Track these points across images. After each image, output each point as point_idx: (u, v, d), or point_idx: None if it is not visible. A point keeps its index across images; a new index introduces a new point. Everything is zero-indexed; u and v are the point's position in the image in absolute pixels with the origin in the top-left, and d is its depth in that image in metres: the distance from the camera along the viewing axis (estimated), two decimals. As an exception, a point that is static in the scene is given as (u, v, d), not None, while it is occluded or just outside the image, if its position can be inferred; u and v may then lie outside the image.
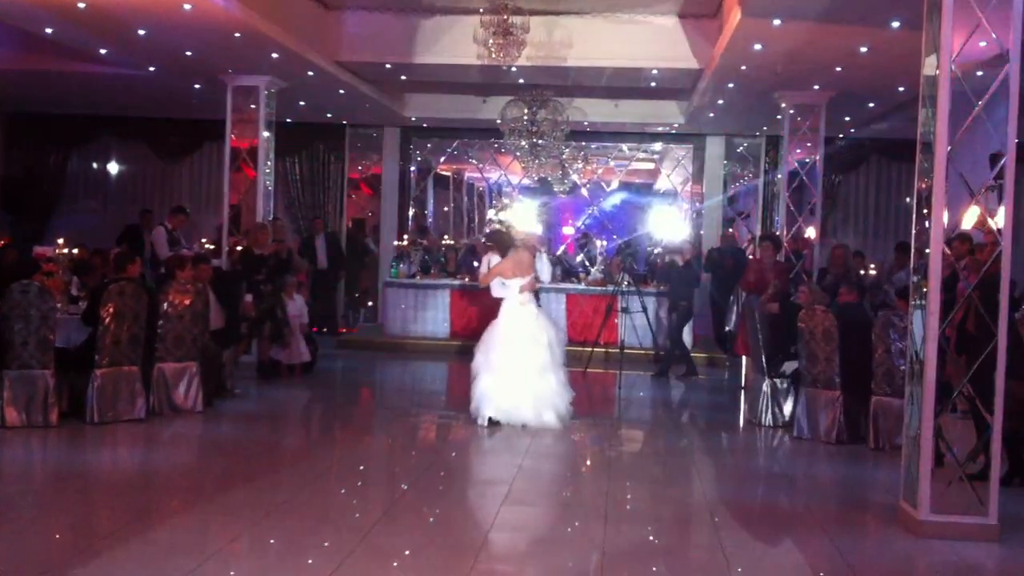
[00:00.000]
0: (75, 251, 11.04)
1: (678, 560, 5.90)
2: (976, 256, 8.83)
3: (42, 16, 10.26)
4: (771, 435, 9.55)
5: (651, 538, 6.19)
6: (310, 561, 5.34)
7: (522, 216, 17.90)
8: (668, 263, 13.79)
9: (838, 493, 7.66)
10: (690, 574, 5.68)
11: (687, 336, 13.83)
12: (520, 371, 9.26)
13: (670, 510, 7.03)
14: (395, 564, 5.33)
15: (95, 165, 18.01)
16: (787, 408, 9.63)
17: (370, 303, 17.94)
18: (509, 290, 9.56)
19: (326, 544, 5.63)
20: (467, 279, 15.23)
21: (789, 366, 9.61)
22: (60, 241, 10.69)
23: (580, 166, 18.31)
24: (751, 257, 13.96)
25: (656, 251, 16.51)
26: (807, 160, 13.54)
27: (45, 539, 5.70)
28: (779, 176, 13.62)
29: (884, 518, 6.70)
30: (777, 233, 13.21)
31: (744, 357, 10.91)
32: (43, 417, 8.34)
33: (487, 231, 9.68)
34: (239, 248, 12.47)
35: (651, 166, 20.75)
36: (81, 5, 9.69)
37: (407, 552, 5.57)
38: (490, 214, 20.04)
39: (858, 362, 8.94)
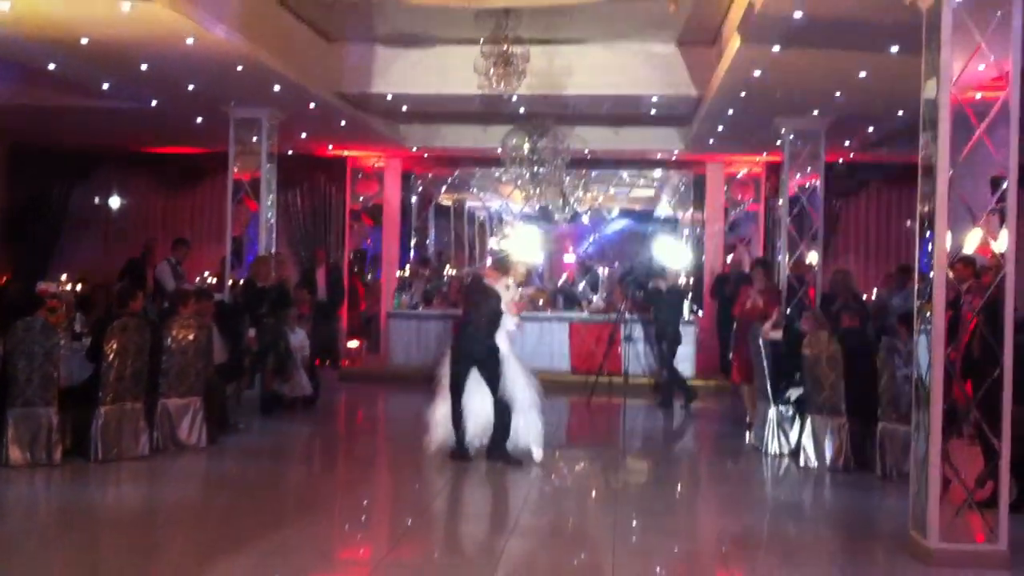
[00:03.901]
0: (78, 287, 11.03)
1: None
2: (980, 279, 8.83)
3: (45, 52, 10.30)
4: (777, 463, 9.49)
5: (659, 570, 6.15)
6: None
7: (523, 244, 17.91)
8: (652, 289, 13.77)
9: (846, 522, 7.60)
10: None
11: (683, 362, 13.79)
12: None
13: (678, 541, 6.98)
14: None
15: (97, 198, 18.02)
16: (793, 435, 9.58)
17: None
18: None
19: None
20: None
21: (794, 393, 9.57)
22: (63, 277, 10.69)
23: (581, 194, 18.34)
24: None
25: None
26: (808, 185, 13.55)
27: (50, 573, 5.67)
28: (780, 202, 13.62)
29: (893, 547, 6.64)
30: (778, 258, 13.20)
31: (741, 384, 10.86)
32: (47, 455, 8.29)
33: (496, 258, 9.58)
34: (241, 281, 12.45)
35: (651, 193, 20.82)
36: (84, 41, 9.73)
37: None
38: (491, 242, 20.07)
39: (863, 388, 8.90)
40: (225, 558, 6.11)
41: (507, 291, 9.29)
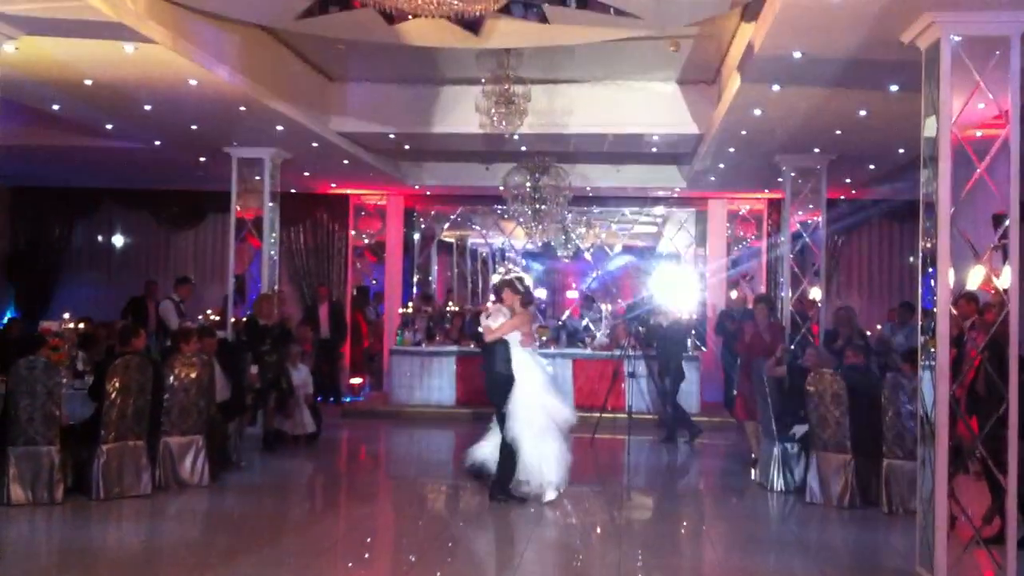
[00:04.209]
0: (80, 325, 11.03)
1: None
2: (984, 316, 8.85)
3: (50, 93, 10.39)
4: (783, 500, 9.44)
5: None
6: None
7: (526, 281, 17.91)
8: (653, 325, 13.77)
9: (853, 559, 7.54)
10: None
11: (687, 398, 13.76)
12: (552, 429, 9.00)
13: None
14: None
15: (100, 237, 18.08)
16: (798, 472, 9.54)
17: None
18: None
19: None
20: (472, 345, 15.21)
21: (799, 430, 9.53)
22: (66, 316, 10.70)
23: (583, 231, 18.39)
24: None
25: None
26: (809, 222, 13.59)
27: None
28: (782, 238, 13.65)
29: (901, 585, 6.60)
30: (780, 294, 13.20)
31: (746, 420, 10.83)
32: (48, 494, 8.26)
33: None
34: (244, 319, 12.46)
35: (654, 229, 20.86)
36: (88, 82, 9.81)
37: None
38: (494, 279, 20.09)
39: (868, 425, 8.87)
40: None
41: (511, 315, 9.17)
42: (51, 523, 8.02)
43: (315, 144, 13.06)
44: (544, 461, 8.85)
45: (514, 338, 9.09)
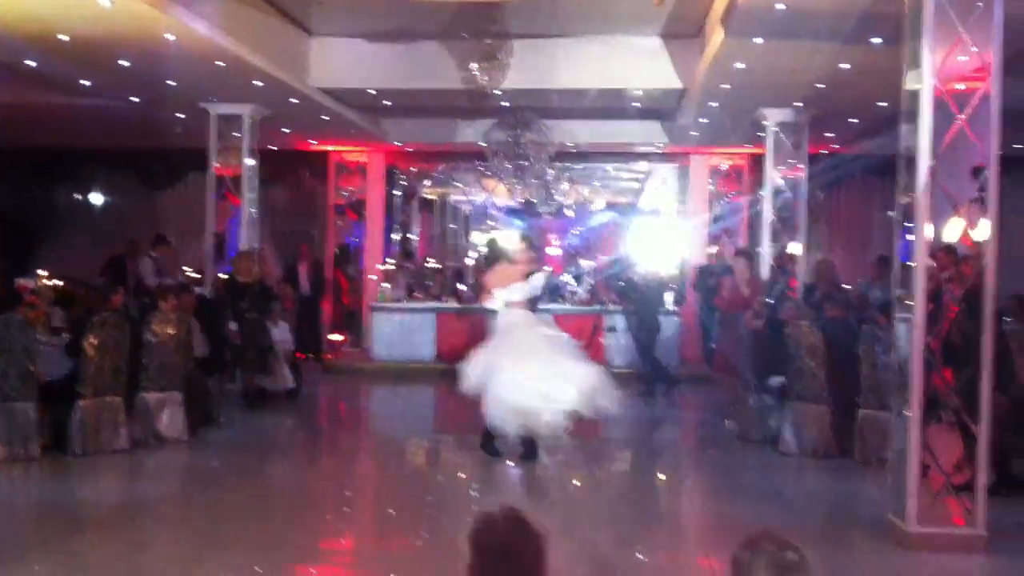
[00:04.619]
0: (57, 283, 10.97)
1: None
2: (960, 268, 8.88)
3: (24, 49, 10.23)
4: (759, 451, 9.51)
5: (640, 557, 6.15)
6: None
7: (508, 238, 17.89)
8: (629, 280, 13.79)
9: (826, 507, 7.64)
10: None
11: (667, 354, 13.83)
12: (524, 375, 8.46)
13: (658, 528, 6.99)
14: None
15: (78, 196, 17.94)
16: (774, 424, 9.61)
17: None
18: (496, 302, 9.13)
19: (315, 573, 5.58)
20: (453, 301, 15.21)
21: (776, 381, 9.60)
22: (42, 273, 10.62)
23: (565, 187, 18.34)
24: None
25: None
26: (791, 177, 13.58)
27: (31, 570, 5.62)
28: (763, 193, 13.64)
29: (873, 532, 6.67)
30: (759, 249, 13.22)
31: (724, 373, 10.89)
32: (25, 450, 8.25)
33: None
34: (223, 276, 12.41)
35: (636, 186, 20.82)
36: (63, 37, 9.67)
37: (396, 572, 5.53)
38: (475, 236, 20.07)
39: (845, 377, 8.94)
40: (209, 553, 6.09)
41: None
42: (29, 479, 8.03)
43: (294, 100, 12.93)
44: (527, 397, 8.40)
45: (499, 295, 9.05)
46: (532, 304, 9.31)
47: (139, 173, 17.73)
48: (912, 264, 6.60)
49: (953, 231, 9.61)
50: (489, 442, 8.81)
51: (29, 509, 7.44)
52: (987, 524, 6.26)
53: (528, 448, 8.68)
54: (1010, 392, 7.61)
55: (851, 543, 6.68)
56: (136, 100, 12.94)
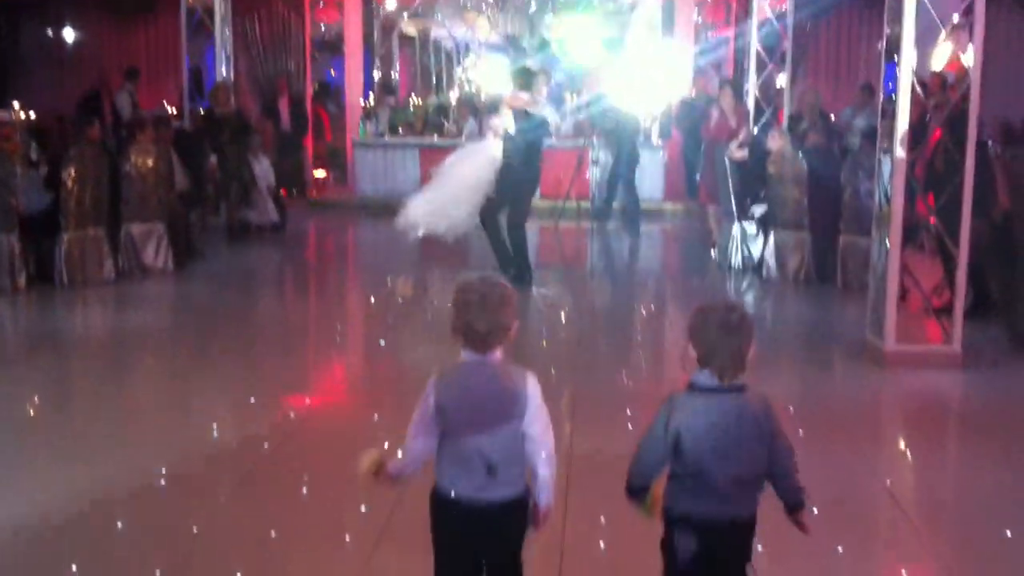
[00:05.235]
0: (32, 115, 10.76)
1: (648, 402, 5.99)
2: (947, 93, 8.80)
3: None
4: (740, 277, 9.61)
5: (624, 379, 6.28)
6: (291, 415, 5.40)
7: (490, 75, 17.58)
8: (608, 113, 13.64)
9: (806, 330, 7.79)
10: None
11: (651, 187, 13.86)
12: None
13: (640, 352, 7.12)
14: (376, 417, 5.34)
15: (49, 30, 17.39)
16: (755, 251, 9.68)
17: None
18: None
19: (307, 400, 5.69)
20: (436, 138, 15.06)
21: (758, 209, 9.62)
22: (15, 104, 10.40)
23: (549, 19, 17.89)
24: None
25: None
26: (778, 8, 13.25)
27: (21, 396, 5.71)
28: (750, 23, 13.33)
29: (851, 352, 6.81)
30: (745, 83, 13.02)
31: (707, 204, 10.91)
32: (10, 282, 8.23)
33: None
34: (201, 111, 12.18)
35: (621, 18, 20.33)
36: None
37: (387, 402, 5.63)
38: (458, 72, 19.70)
39: (827, 204, 8.97)
40: (194, 381, 6.19)
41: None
42: (16, 310, 8.05)
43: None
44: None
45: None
46: (537, 136, 9.32)
47: (109, 5, 17.14)
48: (896, 95, 6.50)
49: (941, 57, 9.55)
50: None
51: (17, 339, 7.49)
52: (963, 343, 6.39)
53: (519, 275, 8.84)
54: (991, 216, 7.65)
55: (829, 363, 6.84)
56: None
